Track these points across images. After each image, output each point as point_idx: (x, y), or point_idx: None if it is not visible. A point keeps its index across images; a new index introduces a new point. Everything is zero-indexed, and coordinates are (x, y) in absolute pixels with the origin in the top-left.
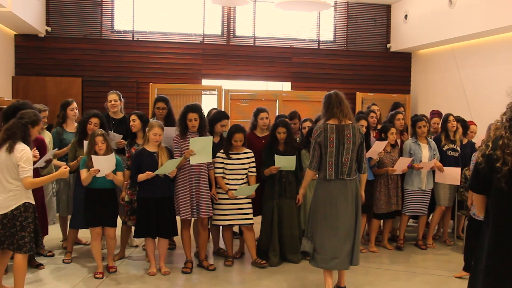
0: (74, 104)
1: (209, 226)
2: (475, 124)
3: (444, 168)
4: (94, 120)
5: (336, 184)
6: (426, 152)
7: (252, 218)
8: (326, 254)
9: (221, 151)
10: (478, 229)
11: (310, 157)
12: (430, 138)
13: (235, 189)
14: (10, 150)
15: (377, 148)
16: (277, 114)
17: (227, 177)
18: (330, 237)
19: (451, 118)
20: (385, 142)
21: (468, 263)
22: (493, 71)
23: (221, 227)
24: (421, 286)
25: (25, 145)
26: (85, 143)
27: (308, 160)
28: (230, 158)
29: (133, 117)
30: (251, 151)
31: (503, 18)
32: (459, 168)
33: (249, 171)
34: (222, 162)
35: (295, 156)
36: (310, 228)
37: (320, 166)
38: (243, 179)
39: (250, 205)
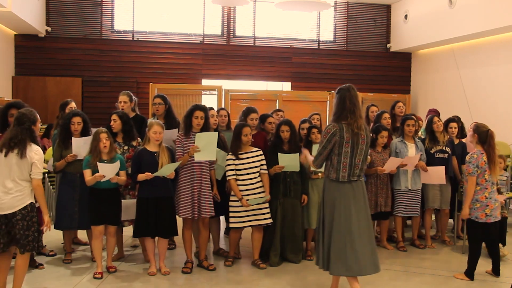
0: (73, 104)
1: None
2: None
3: (428, 167)
4: (77, 120)
5: (348, 186)
6: (412, 152)
7: (270, 218)
8: (348, 260)
9: (230, 153)
10: (483, 232)
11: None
12: (418, 139)
13: (249, 189)
14: (22, 155)
15: (392, 164)
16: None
17: (240, 178)
18: (349, 242)
19: (435, 119)
20: (399, 160)
21: (472, 268)
22: (493, 71)
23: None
24: (420, 286)
25: (38, 146)
26: (74, 139)
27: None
28: (239, 159)
29: (113, 117)
30: (260, 149)
31: (503, 18)
32: (443, 167)
33: (261, 169)
34: (233, 164)
35: (298, 154)
36: (326, 234)
37: (329, 167)
38: (256, 177)
39: (267, 204)
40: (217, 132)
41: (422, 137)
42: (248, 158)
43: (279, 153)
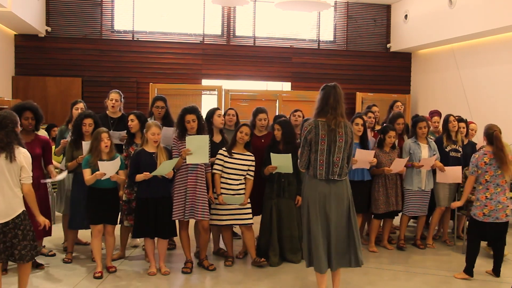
0: (80, 105)
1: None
2: (475, 124)
3: (445, 167)
4: (88, 121)
5: (326, 184)
6: (425, 152)
7: (251, 218)
8: (321, 257)
9: (224, 148)
10: (480, 230)
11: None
12: (431, 139)
13: (230, 189)
14: (11, 159)
15: (399, 164)
16: (276, 114)
17: (225, 175)
18: (323, 240)
19: (451, 118)
20: (405, 160)
21: (470, 266)
22: (493, 71)
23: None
24: (421, 286)
25: (25, 149)
26: (84, 143)
27: None
28: (231, 157)
29: (131, 117)
30: (253, 155)
31: (503, 18)
32: (460, 167)
33: (247, 174)
34: (222, 160)
35: (290, 154)
36: (305, 231)
37: (309, 165)
38: (240, 180)
39: (249, 205)
40: (207, 135)
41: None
42: (238, 159)
43: (271, 153)
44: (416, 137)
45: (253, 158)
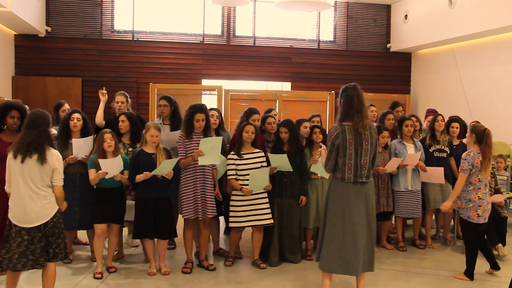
0: (66, 106)
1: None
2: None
3: (427, 168)
4: (76, 116)
5: (353, 186)
6: (411, 152)
7: (271, 218)
8: (338, 258)
9: (232, 152)
10: (476, 232)
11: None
12: (417, 139)
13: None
14: (42, 160)
15: (394, 164)
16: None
17: (240, 177)
18: (345, 241)
19: (439, 118)
20: (400, 159)
21: (471, 268)
22: (493, 71)
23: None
24: (421, 286)
25: (57, 151)
26: (74, 141)
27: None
28: (242, 158)
29: (122, 117)
30: (262, 151)
31: (503, 18)
32: (442, 168)
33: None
34: (234, 164)
35: (285, 154)
36: (325, 231)
37: (336, 168)
38: None
39: (267, 205)
40: (221, 137)
41: (422, 136)
42: (249, 158)
43: (269, 154)
44: (402, 137)
45: (262, 153)
